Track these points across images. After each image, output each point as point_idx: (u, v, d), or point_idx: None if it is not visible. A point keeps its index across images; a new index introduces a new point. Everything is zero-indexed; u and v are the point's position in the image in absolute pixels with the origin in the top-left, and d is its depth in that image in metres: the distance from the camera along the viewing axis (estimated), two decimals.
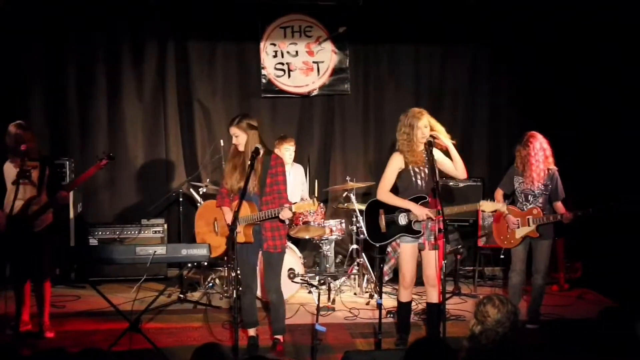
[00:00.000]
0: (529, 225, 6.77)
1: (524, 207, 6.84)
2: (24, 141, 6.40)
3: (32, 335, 6.54)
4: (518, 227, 6.81)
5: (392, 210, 6.14)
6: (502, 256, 7.29)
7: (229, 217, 5.93)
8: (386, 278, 6.43)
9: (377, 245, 6.41)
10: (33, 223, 6.42)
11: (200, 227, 6.37)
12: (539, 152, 6.73)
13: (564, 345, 6.35)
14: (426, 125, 6.06)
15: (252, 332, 6.22)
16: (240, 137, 5.93)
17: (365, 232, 6.47)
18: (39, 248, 6.48)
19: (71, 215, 8.56)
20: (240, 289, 6.11)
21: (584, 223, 7.09)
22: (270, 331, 6.36)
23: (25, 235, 6.39)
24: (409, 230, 6.07)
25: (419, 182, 6.11)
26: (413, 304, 6.58)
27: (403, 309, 6.36)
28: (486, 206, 6.05)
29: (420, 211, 5.98)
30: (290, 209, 5.85)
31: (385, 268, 6.42)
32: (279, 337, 6.22)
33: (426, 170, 6.07)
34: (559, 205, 6.85)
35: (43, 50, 9.01)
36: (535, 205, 6.78)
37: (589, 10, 8.64)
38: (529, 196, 6.82)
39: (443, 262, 5.57)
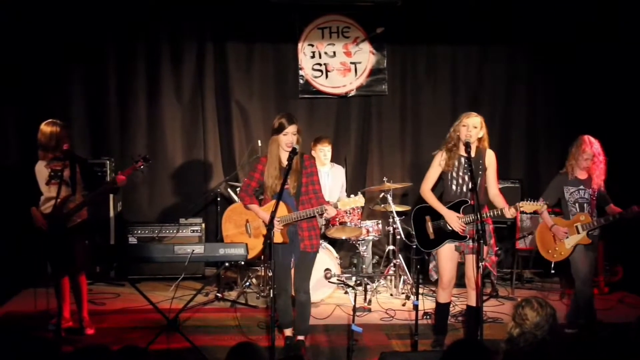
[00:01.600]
0: (578, 233, 6.53)
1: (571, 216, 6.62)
2: (61, 138, 6.51)
3: (73, 331, 6.65)
4: (567, 237, 6.57)
5: (438, 216, 6.12)
6: (552, 271, 6.99)
7: (264, 215, 5.92)
8: (434, 277, 6.36)
9: (428, 251, 6.34)
10: (68, 221, 6.53)
11: (228, 229, 6.27)
12: (599, 155, 6.54)
13: (603, 349, 6.27)
14: (475, 126, 5.98)
15: (288, 332, 6.23)
16: (297, 135, 5.89)
17: (415, 239, 6.38)
18: (71, 244, 6.57)
19: (111, 214, 8.68)
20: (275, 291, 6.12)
21: (624, 226, 6.94)
22: (294, 330, 6.28)
23: (61, 233, 6.49)
24: (456, 235, 6.04)
25: (454, 187, 6.11)
26: (451, 305, 6.54)
27: (440, 310, 6.35)
28: (526, 206, 5.92)
29: (452, 220, 6.00)
30: (336, 207, 5.88)
31: (430, 267, 6.38)
32: (302, 337, 6.21)
33: (465, 176, 6.02)
34: (612, 208, 6.62)
35: (83, 52, 9.13)
36: (583, 212, 6.56)
37: (629, 10, 8.50)
38: (585, 205, 6.57)
39: (481, 263, 5.51)
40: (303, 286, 6.09)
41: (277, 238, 5.85)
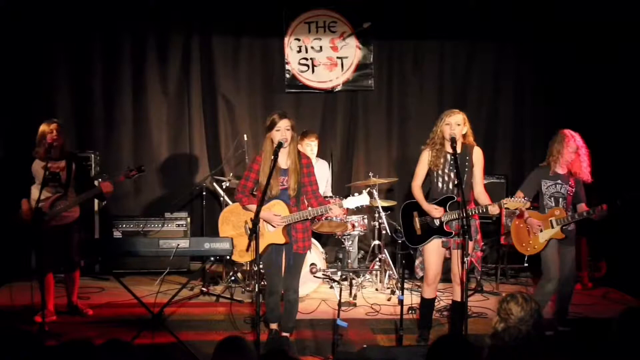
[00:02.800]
0: (552, 227, 6.50)
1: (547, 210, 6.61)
2: (52, 136, 6.54)
3: (75, 314, 6.97)
4: (541, 231, 6.55)
5: (425, 212, 6.14)
6: (526, 264, 7.00)
7: (265, 215, 5.80)
8: (420, 274, 6.37)
9: (415, 247, 6.35)
10: (56, 218, 6.58)
11: (226, 231, 6.16)
12: (582, 148, 6.51)
13: (587, 344, 6.30)
14: (458, 123, 5.98)
15: (274, 326, 6.23)
16: (290, 131, 5.85)
17: (403, 234, 6.40)
18: (68, 240, 6.72)
19: (96, 208, 8.65)
20: (266, 290, 6.11)
21: (608, 221, 6.95)
22: (279, 328, 6.26)
23: (47, 229, 6.52)
24: (442, 231, 6.06)
25: (440, 184, 6.12)
26: (436, 300, 6.56)
27: (426, 305, 6.36)
28: (510, 204, 5.93)
29: (432, 212, 6.04)
30: (341, 205, 5.87)
31: (416, 263, 6.39)
32: (287, 334, 6.20)
33: (451, 173, 6.02)
34: (582, 206, 6.59)
35: (69, 46, 9.10)
36: (558, 207, 6.54)
37: (614, 8, 8.54)
38: (560, 199, 6.54)
39: (465, 259, 5.52)
40: (293, 285, 6.08)
41: (279, 238, 5.85)
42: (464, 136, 6.08)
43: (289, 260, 5.97)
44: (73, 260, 6.87)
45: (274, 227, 5.89)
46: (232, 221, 6.16)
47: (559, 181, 6.55)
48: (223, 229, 6.19)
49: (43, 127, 6.64)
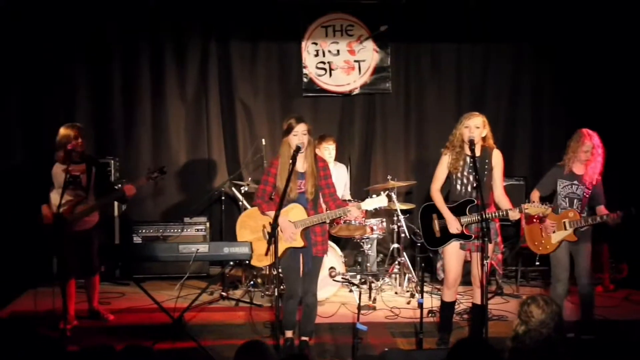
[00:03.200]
0: (565, 229, 6.44)
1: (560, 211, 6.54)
2: (71, 141, 6.56)
3: (96, 319, 7.00)
4: (554, 232, 6.49)
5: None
6: (537, 263, 6.98)
7: (283, 222, 5.80)
8: (441, 276, 6.36)
9: (434, 249, 6.36)
10: (77, 223, 6.61)
11: (244, 236, 6.11)
12: (598, 148, 6.43)
13: (609, 346, 6.25)
14: (477, 126, 5.95)
15: (289, 334, 6.19)
16: (307, 135, 5.83)
17: (422, 237, 6.38)
18: (88, 245, 6.76)
19: (115, 213, 8.69)
20: (285, 294, 6.10)
21: (630, 223, 6.89)
22: (298, 331, 6.24)
23: (69, 234, 6.54)
24: (462, 234, 6.04)
25: (459, 187, 6.10)
26: (456, 304, 6.53)
27: (446, 308, 6.34)
28: (531, 209, 5.89)
29: (451, 227, 6.01)
30: (359, 207, 5.87)
31: (438, 266, 6.39)
32: (307, 338, 6.18)
33: (470, 176, 5.99)
34: (601, 209, 6.52)
35: (87, 51, 9.15)
36: (576, 209, 6.47)
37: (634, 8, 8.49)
38: (575, 200, 6.48)
39: (485, 262, 5.49)
40: (311, 289, 6.06)
41: (297, 242, 5.84)
42: (484, 139, 6.05)
43: (308, 263, 5.95)
44: (93, 265, 6.91)
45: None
46: (250, 226, 6.13)
47: (575, 182, 6.50)
48: (241, 233, 6.16)
49: (63, 131, 6.65)
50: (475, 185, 5.84)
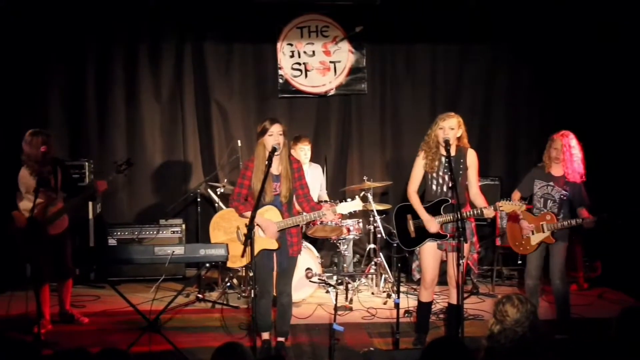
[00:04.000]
0: (543, 232, 6.54)
1: (540, 212, 6.62)
2: (43, 145, 6.53)
3: (69, 322, 6.95)
4: (533, 234, 6.58)
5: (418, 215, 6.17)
6: (519, 262, 7.04)
7: (261, 220, 5.81)
8: (417, 276, 6.39)
9: (409, 250, 6.41)
10: (50, 226, 6.58)
11: (217, 237, 6.11)
12: (576, 147, 6.51)
13: (584, 344, 6.30)
14: (452, 127, 5.98)
15: (266, 335, 6.18)
16: (283, 136, 5.83)
17: (397, 237, 6.44)
18: (60, 249, 6.74)
19: (90, 215, 8.62)
20: (257, 293, 6.09)
21: (603, 227, 6.95)
22: (274, 332, 6.25)
23: (44, 238, 6.52)
24: (437, 234, 6.08)
25: (434, 187, 6.15)
26: (432, 303, 6.56)
27: (422, 308, 6.38)
28: (505, 206, 5.95)
29: (430, 227, 6.05)
30: (334, 212, 5.90)
31: (413, 266, 6.43)
32: (283, 339, 6.19)
33: (445, 175, 6.03)
34: (583, 212, 6.58)
35: (61, 53, 9.08)
36: (550, 211, 6.57)
37: (609, 7, 8.56)
38: (549, 201, 6.58)
39: (461, 261, 5.52)
40: (286, 289, 6.07)
41: (271, 244, 5.83)
42: (459, 139, 6.10)
43: (283, 263, 5.96)
44: (67, 269, 6.88)
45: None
46: (224, 227, 6.13)
47: (552, 183, 6.57)
48: (214, 234, 6.15)
49: (28, 138, 6.59)
50: (450, 185, 5.88)
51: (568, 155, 6.50)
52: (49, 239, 6.59)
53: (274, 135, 5.79)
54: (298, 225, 5.99)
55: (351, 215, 8.80)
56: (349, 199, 6.06)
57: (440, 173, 6.10)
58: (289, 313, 6.16)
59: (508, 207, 5.96)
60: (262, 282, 5.99)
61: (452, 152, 5.97)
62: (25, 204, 6.52)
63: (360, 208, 6.07)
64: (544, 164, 6.67)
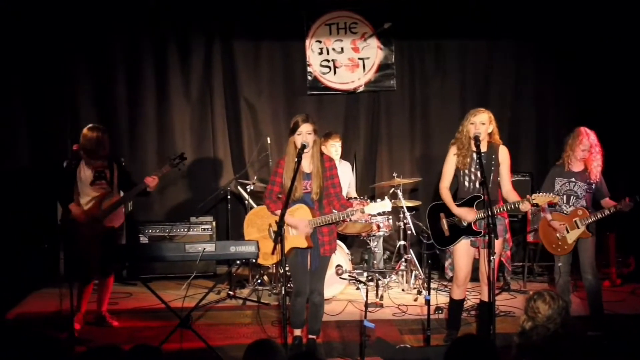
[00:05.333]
0: (578, 228, 6.49)
1: (564, 209, 6.59)
2: (102, 142, 6.67)
3: (97, 324, 6.89)
4: (567, 232, 6.53)
5: (452, 212, 6.15)
6: (559, 264, 6.93)
7: (292, 220, 5.81)
8: (450, 274, 6.37)
9: (443, 249, 6.38)
10: (106, 219, 6.67)
11: (251, 234, 6.14)
12: (596, 147, 6.48)
13: (616, 341, 6.25)
14: (483, 122, 5.96)
15: (298, 332, 6.19)
16: (312, 135, 5.81)
17: (431, 236, 6.42)
18: (112, 243, 6.82)
19: None
20: (293, 292, 6.11)
21: (636, 217, 6.89)
22: (306, 331, 6.25)
23: (99, 231, 6.63)
24: (470, 231, 6.05)
25: (467, 183, 6.13)
26: (464, 301, 6.56)
27: (454, 306, 6.36)
28: (539, 198, 5.87)
29: (466, 217, 6.04)
30: (362, 212, 5.82)
31: (446, 264, 6.41)
32: (314, 337, 6.18)
33: (477, 172, 5.98)
34: (608, 201, 6.55)
35: (91, 53, 9.17)
36: (577, 206, 6.52)
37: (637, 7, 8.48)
38: (572, 197, 6.55)
39: (492, 257, 5.47)
40: (318, 287, 6.05)
41: (301, 243, 5.81)
42: (490, 135, 6.07)
43: (315, 262, 5.94)
44: (112, 265, 6.92)
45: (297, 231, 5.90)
46: (257, 224, 6.14)
47: (573, 179, 6.56)
48: (248, 231, 6.17)
49: (85, 133, 6.70)
50: (481, 181, 5.84)
51: (594, 154, 6.48)
52: (103, 232, 6.67)
53: (303, 134, 5.77)
54: (330, 224, 5.96)
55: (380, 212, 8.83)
56: (378, 199, 6.04)
57: (472, 169, 6.07)
58: (321, 312, 6.16)
59: (541, 199, 5.88)
60: (298, 281, 6.00)
61: (484, 148, 5.96)
62: (83, 198, 6.62)
63: (389, 209, 5.98)
64: (563, 161, 6.64)
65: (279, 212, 5.67)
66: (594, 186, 6.53)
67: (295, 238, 5.85)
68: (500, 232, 5.83)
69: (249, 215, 6.29)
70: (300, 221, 5.82)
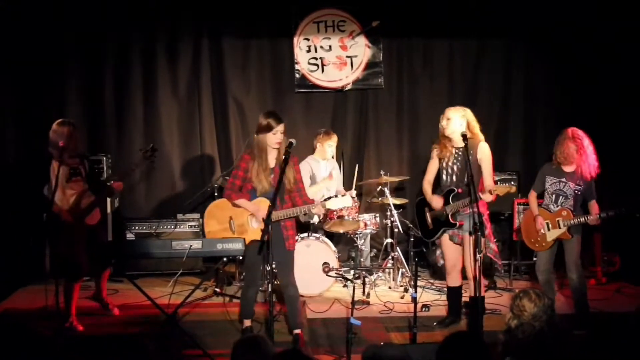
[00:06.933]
0: (559, 228, 6.55)
1: (551, 207, 6.65)
2: (64, 138, 6.50)
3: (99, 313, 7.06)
4: (548, 230, 6.60)
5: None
6: (535, 258, 7.03)
7: (253, 207, 5.99)
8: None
9: (429, 241, 6.87)
10: (87, 217, 6.64)
11: (212, 226, 6.22)
12: (589, 146, 6.53)
13: (602, 339, 6.28)
14: (448, 118, 6.33)
15: (247, 322, 6.35)
16: (283, 135, 6.02)
17: (419, 229, 6.85)
18: (97, 240, 6.82)
19: (108, 210, 8.65)
20: (245, 283, 6.33)
21: (623, 220, 6.92)
22: (288, 326, 6.36)
23: (83, 229, 6.62)
24: (448, 223, 6.37)
25: (444, 177, 6.45)
26: (461, 289, 6.79)
27: (450, 292, 6.76)
28: (500, 189, 6.12)
29: (434, 202, 6.47)
30: (324, 206, 5.99)
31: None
32: (298, 331, 6.22)
33: (454, 166, 6.34)
34: (593, 204, 6.58)
35: (79, 49, 9.13)
36: (564, 207, 6.57)
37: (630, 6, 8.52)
38: (560, 197, 6.60)
39: (478, 255, 5.63)
40: (290, 280, 6.16)
41: (259, 235, 5.86)
42: (470, 131, 6.31)
43: (280, 257, 5.97)
44: (105, 259, 6.95)
45: (257, 224, 6.03)
46: (217, 216, 6.23)
47: (564, 179, 6.61)
48: (209, 223, 6.25)
49: (57, 128, 6.59)
50: (456, 178, 6.30)
51: (585, 157, 6.51)
52: (87, 229, 6.66)
53: (277, 134, 5.97)
54: (292, 218, 6.10)
55: (368, 209, 8.86)
56: (339, 195, 6.28)
57: (450, 164, 6.39)
58: (298, 304, 6.22)
59: (501, 190, 6.12)
60: (252, 273, 6.17)
61: (460, 144, 6.20)
62: (59, 196, 6.52)
63: (349, 205, 6.22)
64: (554, 161, 6.68)
65: (240, 201, 6.02)
66: (582, 187, 6.55)
67: (256, 231, 5.97)
68: (467, 228, 6.22)
69: (210, 207, 6.36)
70: (258, 206, 5.99)
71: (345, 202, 6.01)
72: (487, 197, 6.14)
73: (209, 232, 6.26)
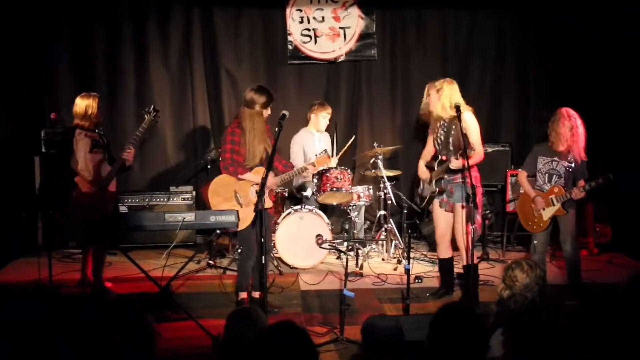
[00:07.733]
0: (553, 205, 6.58)
1: (544, 187, 6.66)
2: (94, 110, 6.68)
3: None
4: (544, 209, 6.63)
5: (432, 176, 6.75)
6: (535, 242, 6.99)
7: (259, 179, 5.91)
8: None
9: (421, 208, 7.23)
10: (108, 185, 6.73)
11: (217, 203, 6.24)
12: (581, 126, 6.54)
13: (594, 309, 6.33)
14: (428, 94, 6.61)
15: (243, 295, 6.40)
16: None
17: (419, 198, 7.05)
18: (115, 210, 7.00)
19: None
20: (244, 255, 6.50)
21: (613, 187, 6.96)
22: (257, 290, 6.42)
23: (108, 197, 6.75)
24: (436, 191, 6.65)
25: (436, 147, 6.63)
26: (452, 260, 6.89)
27: (440, 264, 6.94)
28: (454, 163, 6.27)
29: (419, 172, 6.84)
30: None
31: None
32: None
33: (441, 136, 6.52)
34: (581, 183, 6.59)
35: (69, 20, 9.04)
36: (556, 184, 6.59)
37: None
38: (554, 176, 6.61)
39: (472, 226, 5.79)
40: (270, 246, 6.50)
41: (268, 203, 5.93)
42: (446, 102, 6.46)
43: (266, 224, 6.00)
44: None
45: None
46: (222, 192, 6.28)
47: (556, 158, 6.63)
48: (214, 201, 6.30)
49: (87, 101, 6.67)
50: (441, 146, 6.54)
51: (576, 137, 6.54)
52: (110, 197, 6.78)
53: (269, 110, 6.29)
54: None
55: (361, 181, 8.85)
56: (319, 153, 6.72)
57: (439, 134, 6.56)
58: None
59: (455, 164, 6.27)
60: (251, 245, 6.22)
61: (447, 116, 6.41)
62: (82, 166, 6.58)
63: (334, 165, 7.06)
64: (547, 140, 6.69)
65: (246, 175, 6.18)
66: (574, 166, 6.57)
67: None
68: (457, 197, 6.38)
69: (212, 185, 6.40)
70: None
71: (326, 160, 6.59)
72: (455, 163, 6.25)
73: (216, 208, 6.25)
